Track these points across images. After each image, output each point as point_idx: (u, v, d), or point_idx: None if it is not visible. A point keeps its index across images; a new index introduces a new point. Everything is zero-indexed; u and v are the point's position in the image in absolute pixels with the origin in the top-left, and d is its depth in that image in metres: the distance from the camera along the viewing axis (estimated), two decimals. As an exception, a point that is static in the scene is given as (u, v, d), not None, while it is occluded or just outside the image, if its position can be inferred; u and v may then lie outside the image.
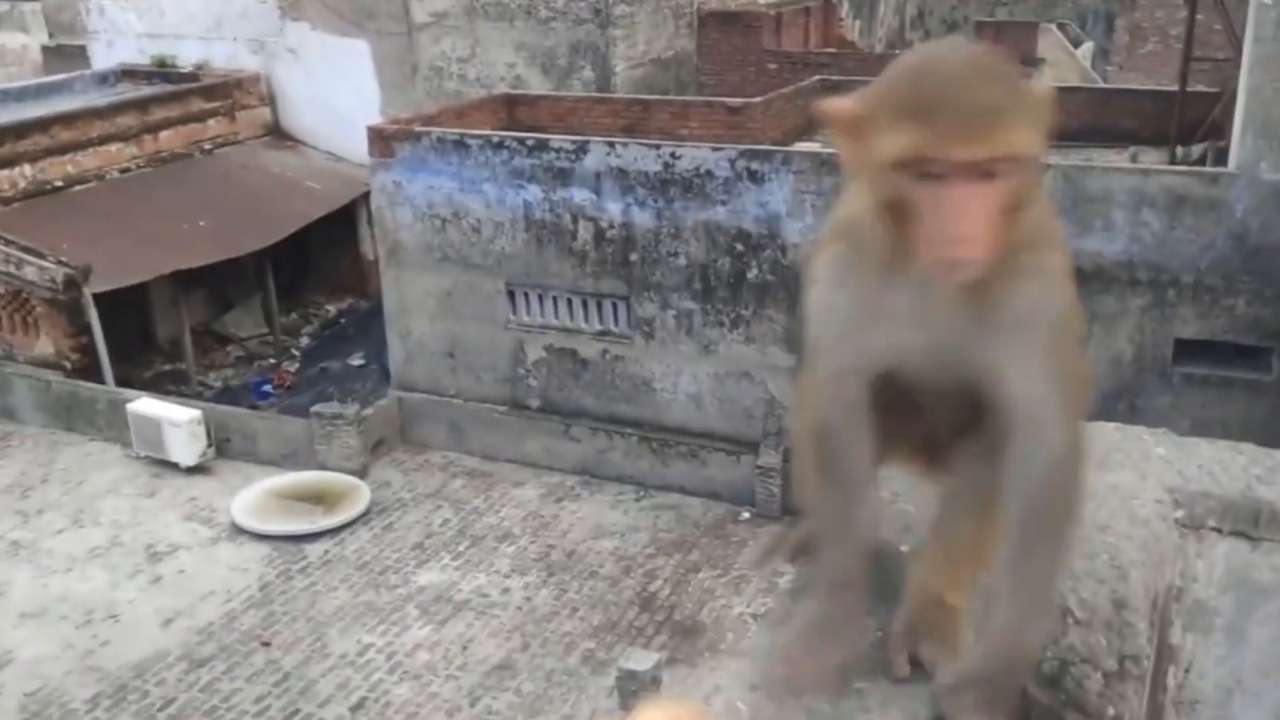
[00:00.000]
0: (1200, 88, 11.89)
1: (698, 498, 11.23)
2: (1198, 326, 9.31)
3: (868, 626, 1.46)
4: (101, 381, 12.73)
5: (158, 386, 13.76)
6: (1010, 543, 1.35)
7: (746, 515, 10.93)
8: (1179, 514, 1.84)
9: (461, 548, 10.68)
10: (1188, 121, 11.17)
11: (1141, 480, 1.86)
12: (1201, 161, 10.58)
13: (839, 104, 1.25)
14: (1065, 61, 12.49)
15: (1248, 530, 1.84)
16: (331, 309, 16.36)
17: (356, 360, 14.91)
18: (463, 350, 12.21)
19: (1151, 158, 11.59)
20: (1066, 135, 12.35)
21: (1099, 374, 9.77)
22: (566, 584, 10.10)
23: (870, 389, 1.37)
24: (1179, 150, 11.16)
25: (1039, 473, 1.30)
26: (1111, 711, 1.47)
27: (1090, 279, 9.56)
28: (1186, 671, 1.84)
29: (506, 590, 10.02)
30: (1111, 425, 2.09)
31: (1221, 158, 10.07)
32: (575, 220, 11.32)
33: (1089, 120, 11.96)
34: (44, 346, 12.85)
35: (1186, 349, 9.49)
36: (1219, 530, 1.85)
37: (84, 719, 8.42)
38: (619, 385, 11.68)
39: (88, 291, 12.41)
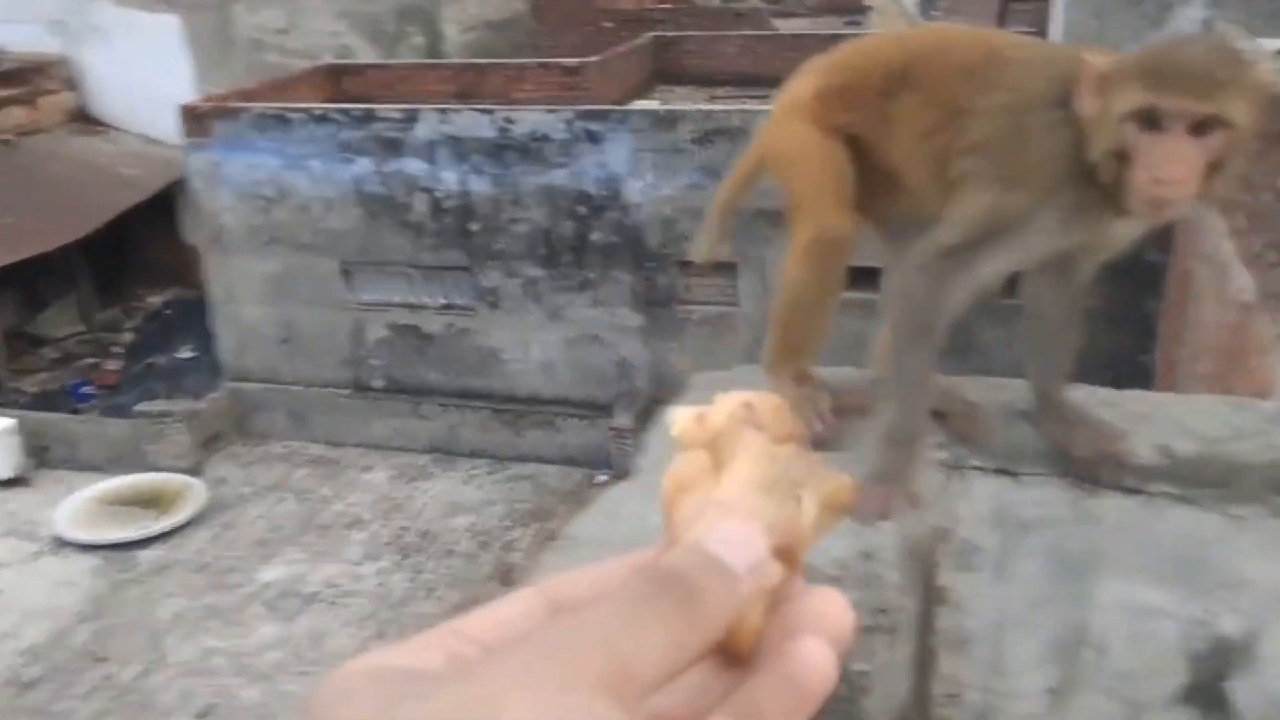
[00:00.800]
0: (1020, 29, 12.22)
1: (554, 465, 11.02)
2: (1028, 262, 9.56)
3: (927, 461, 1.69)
4: (-103, 394, 11.66)
5: (-35, 397, 12.70)
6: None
7: (603, 478, 10.77)
8: (943, 455, 1.80)
9: (308, 539, 10.20)
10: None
11: None
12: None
13: (1095, 60, 1.50)
14: (890, 7, 12.71)
15: (1009, 467, 1.82)
16: (155, 301, 15.42)
17: (186, 353, 14.10)
18: (298, 335, 11.64)
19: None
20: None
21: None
22: (422, 565, 9.76)
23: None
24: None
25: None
26: (860, 666, 1.43)
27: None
28: (957, 611, 1.82)
29: (359, 578, 9.61)
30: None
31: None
32: (410, 192, 10.90)
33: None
34: None
35: (1010, 280, 9.74)
36: (982, 469, 1.82)
37: (-109, 757, 7.68)
38: (467, 358, 11.34)
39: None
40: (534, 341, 11.06)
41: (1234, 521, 1.69)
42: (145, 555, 10.06)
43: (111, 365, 14.04)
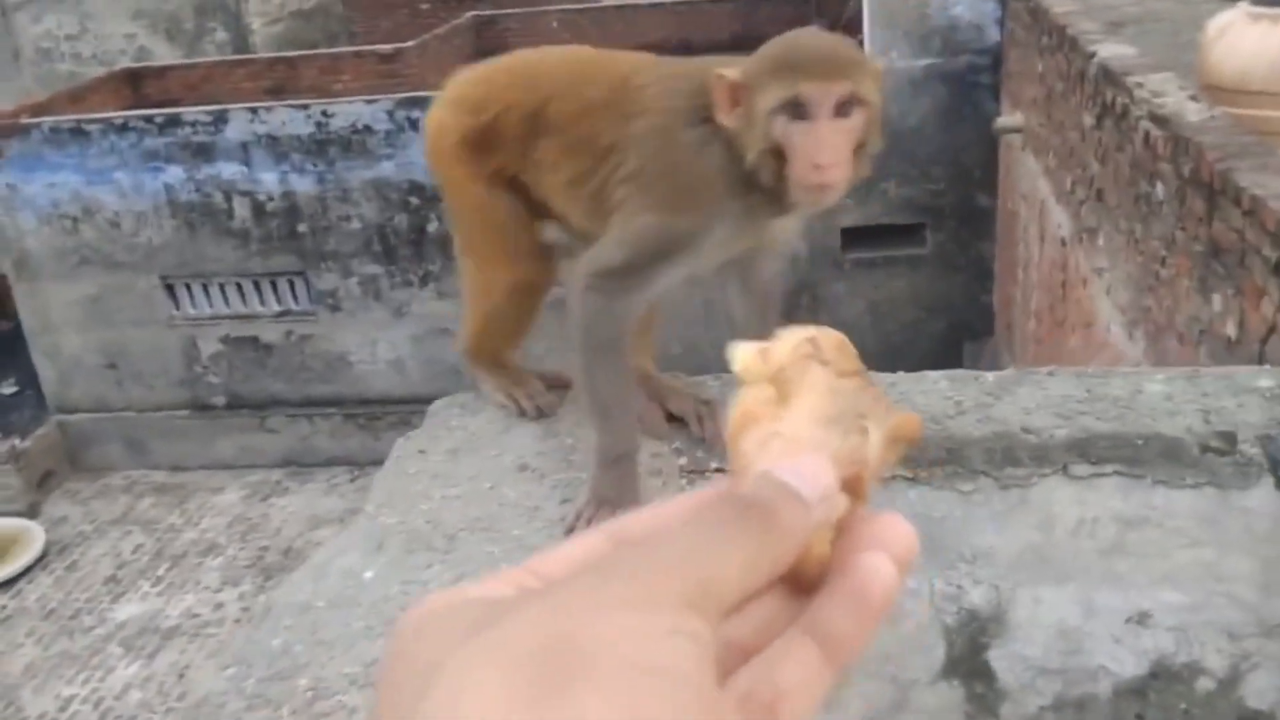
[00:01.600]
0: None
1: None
2: (858, 214, 9.79)
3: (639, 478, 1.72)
4: None
5: None
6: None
7: None
8: (683, 461, 1.85)
9: (161, 571, 9.74)
10: (825, 21, 11.68)
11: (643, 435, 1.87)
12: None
13: (725, 71, 1.53)
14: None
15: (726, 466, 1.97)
16: (-33, 338, 14.39)
17: (8, 388, 13.21)
18: (125, 358, 11.03)
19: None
20: (723, 47, 12.68)
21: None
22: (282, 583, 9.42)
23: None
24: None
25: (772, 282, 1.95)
26: None
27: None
28: None
29: (220, 605, 9.24)
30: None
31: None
32: (228, 197, 10.41)
33: (737, 30, 12.29)
34: None
35: (852, 236, 9.98)
36: (725, 471, 1.96)
37: None
38: (312, 366, 10.96)
39: None
40: (380, 340, 10.77)
41: (964, 497, 1.69)
42: (-16, 609, 9.44)
43: (-77, 410, 13.06)
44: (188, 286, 10.79)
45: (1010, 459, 1.67)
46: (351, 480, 10.74)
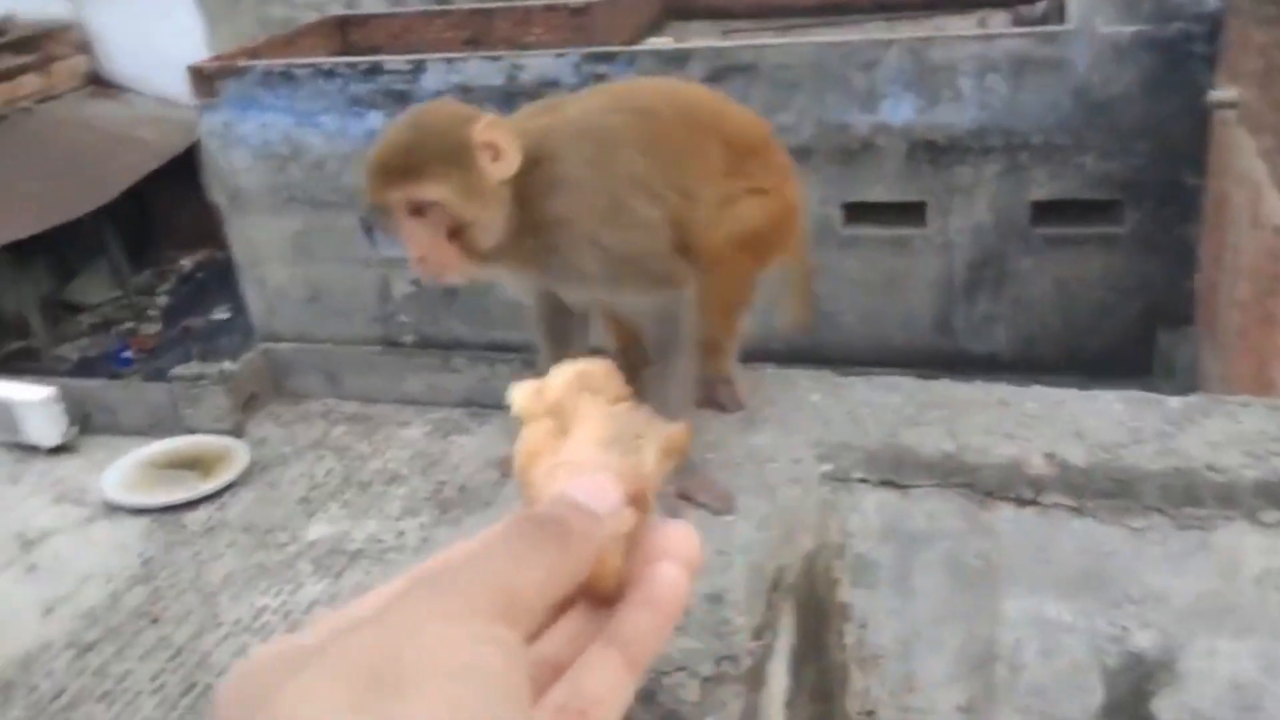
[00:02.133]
0: None
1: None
2: (1051, 187, 9.41)
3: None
4: (-59, 370, 11.94)
5: (10, 367, 12.98)
6: (652, 364, 1.84)
7: None
8: (826, 468, 1.80)
9: (349, 496, 10.42)
10: (1028, -20, 11.15)
11: (786, 437, 1.80)
12: (1044, 20, 10.58)
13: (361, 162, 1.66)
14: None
15: (894, 478, 1.80)
16: (187, 263, 15.58)
17: (221, 314, 14.28)
18: (326, 293, 11.74)
19: (999, 20, 11.58)
20: (916, 4, 12.28)
21: (964, 243, 9.87)
22: (462, 519, 9.94)
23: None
24: (1021, 10, 11.16)
25: (651, 329, 1.84)
26: (717, 717, 1.43)
27: (944, 152, 9.58)
28: (863, 628, 1.80)
29: (401, 533, 9.83)
30: (773, 372, 2.07)
31: (1063, 15, 10.08)
32: (424, 145, 10.83)
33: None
34: None
35: (1043, 210, 9.61)
36: (867, 481, 1.81)
37: (-33, 726, 8.05)
38: (494, 311, 11.38)
39: (-91, 276, 11.53)
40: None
41: (1136, 534, 1.63)
42: (193, 517, 10.34)
43: (149, 329, 14.26)
44: (384, 228, 11.33)
45: (1190, 498, 1.60)
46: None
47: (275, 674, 0.42)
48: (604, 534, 0.51)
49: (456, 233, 1.59)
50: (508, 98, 10.52)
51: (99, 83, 15.41)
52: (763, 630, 1.54)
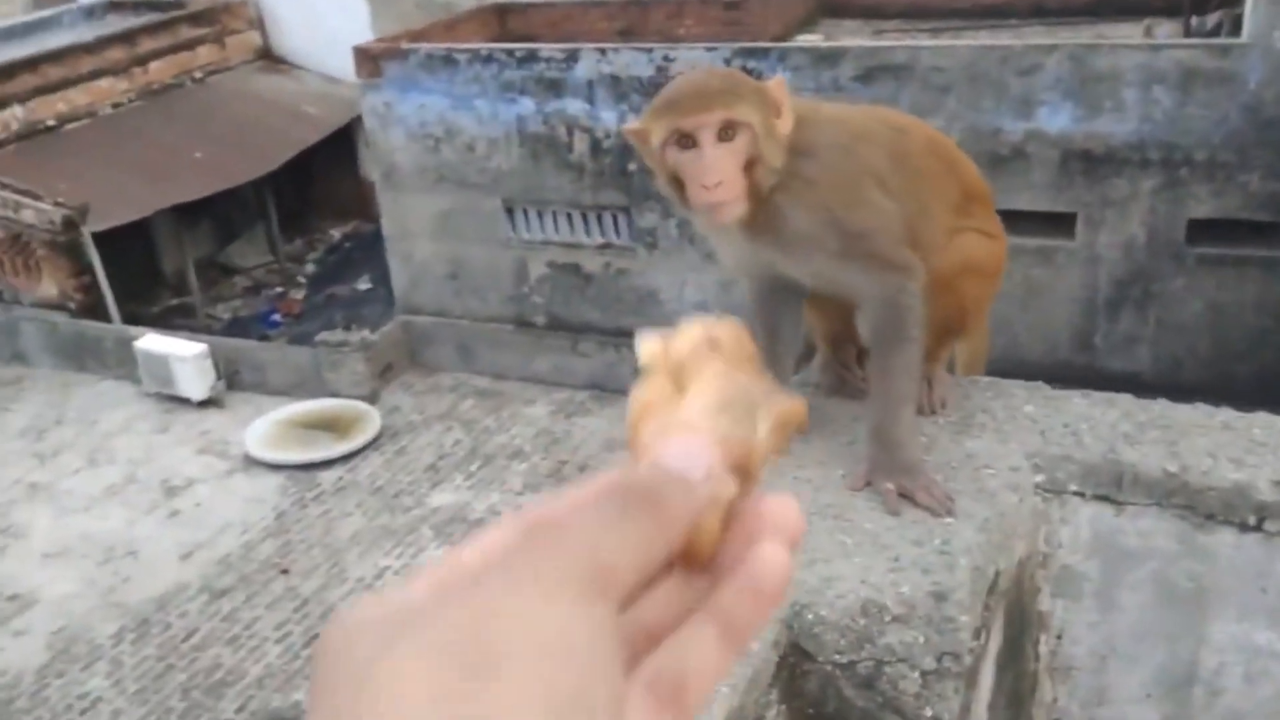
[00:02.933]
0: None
1: (708, 407, 11.14)
2: (1211, 205, 9.01)
3: None
4: (108, 320, 12.74)
5: (167, 322, 13.76)
6: (872, 356, 1.89)
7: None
8: (1039, 479, 1.79)
9: (474, 468, 10.70)
10: (1205, -9, 10.67)
11: (1002, 445, 1.78)
12: (1216, 32, 10.11)
13: (627, 126, 1.84)
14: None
15: (1110, 494, 1.78)
16: (336, 234, 16.23)
17: (364, 284, 14.83)
18: (465, 271, 12.08)
19: (1167, 29, 11.11)
20: (1077, 10, 11.89)
21: (1112, 258, 9.53)
22: (579, 499, 10.11)
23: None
24: (1193, 21, 10.68)
25: (875, 316, 1.87)
26: (929, 712, 1.47)
27: (1100, 163, 9.26)
28: (1059, 638, 1.78)
29: (520, 507, 9.94)
30: (985, 381, 2.01)
31: (1237, 27, 9.61)
32: (570, 132, 11.05)
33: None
34: (48, 288, 12.84)
35: (1200, 229, 9.20)
36: (1081, 495, 1.80)
37: (110, 653, 8.58)
38: (624, 298, 11.53)
39: (86, 231, 12.34)
40: (689, 282, 11.15)
41: None
42: (326, 476, 10.78)
43: (297, 295, 14.93)
44: (525, 211, 11.62)
45: None
46: (648, 411, 11.28)
47: (375, 640, 0.43)
48: (700, 503, 0.50)
49: (750, 165, 1.69)
50: (657, 90, 10.62)
51: (269, 58, 16.20)
52: (981, 631, 1.57)
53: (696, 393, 0.57)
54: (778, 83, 1.78)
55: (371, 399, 11.75)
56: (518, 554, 0.46)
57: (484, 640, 0.42)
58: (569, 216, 11.45)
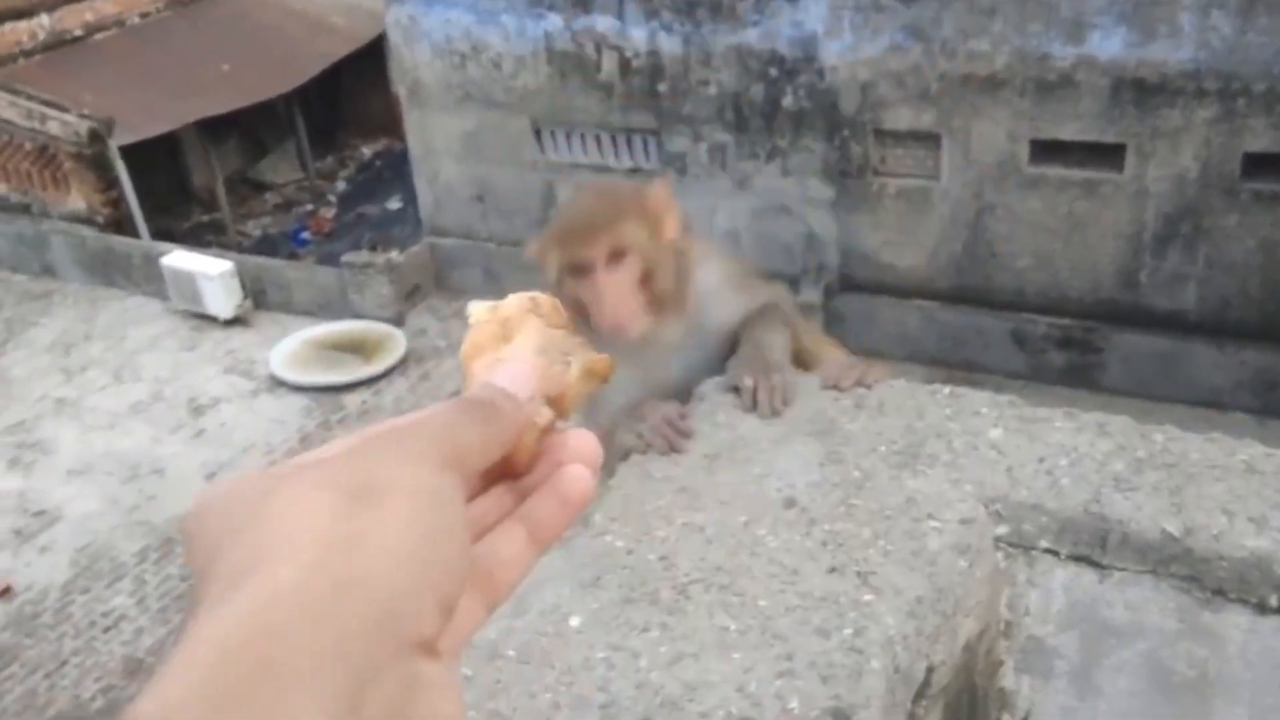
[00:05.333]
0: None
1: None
2: (1268, 139, 8.51)
3: None
4: (136, 235, 12.70)
5: (197, 237, 13.71)
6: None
7: None
8: (1002, 530, 1.45)
9: (496, 395, 10.60)
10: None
11: (953, 486, 1.44)
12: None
13: (528, 247, 1.87)
14: None
15: (1093, 555, 1.44)
16: (366, 151, 16.01)
17: (394, 204, 14.65)
18: (492, 193, 11.84)
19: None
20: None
21: (1162, 192, 9.10)
22: (600, 429, 10.00)
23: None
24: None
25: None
26: None
27: (1153, 92, 8.78)
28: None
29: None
30: (946, 391, 1.65)
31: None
32: (599, 50, 10.68)
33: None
34: (75, 202, 12.80)
35: (1256, 164, 8.72)
36: (1055, 554, 1.46)
37: (133, 571, 8.69)
38: (652, 223, 11.25)
39: (113, 144, 12.23)
40: (720, 210, 10.83)
41: None
42: (350, 399, 10.76)
43: (327, 213, 14.79)
44: (552, 133, 11.31)
45: None
46: (674, 340, 11.11)
47: (257, 492, 0.48)
48: (524, 416, 0.58)
49: (644, 281, 1.77)
50: (689, 6, 10.21)
51: (297, -32, 15.81)
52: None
53: (520, 339, 0.65)
54: (660, 190, 1.89)
55: (397, 321, 11.65)
56: (386, 435, 0.52)
57: (367, 479, 0.48)
58: (597, 138, 11.13)
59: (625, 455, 1.73)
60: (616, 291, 1.75)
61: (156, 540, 9.00)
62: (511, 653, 1.32)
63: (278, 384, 10.94)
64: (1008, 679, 1.48)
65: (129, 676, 7.81)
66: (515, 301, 0.67)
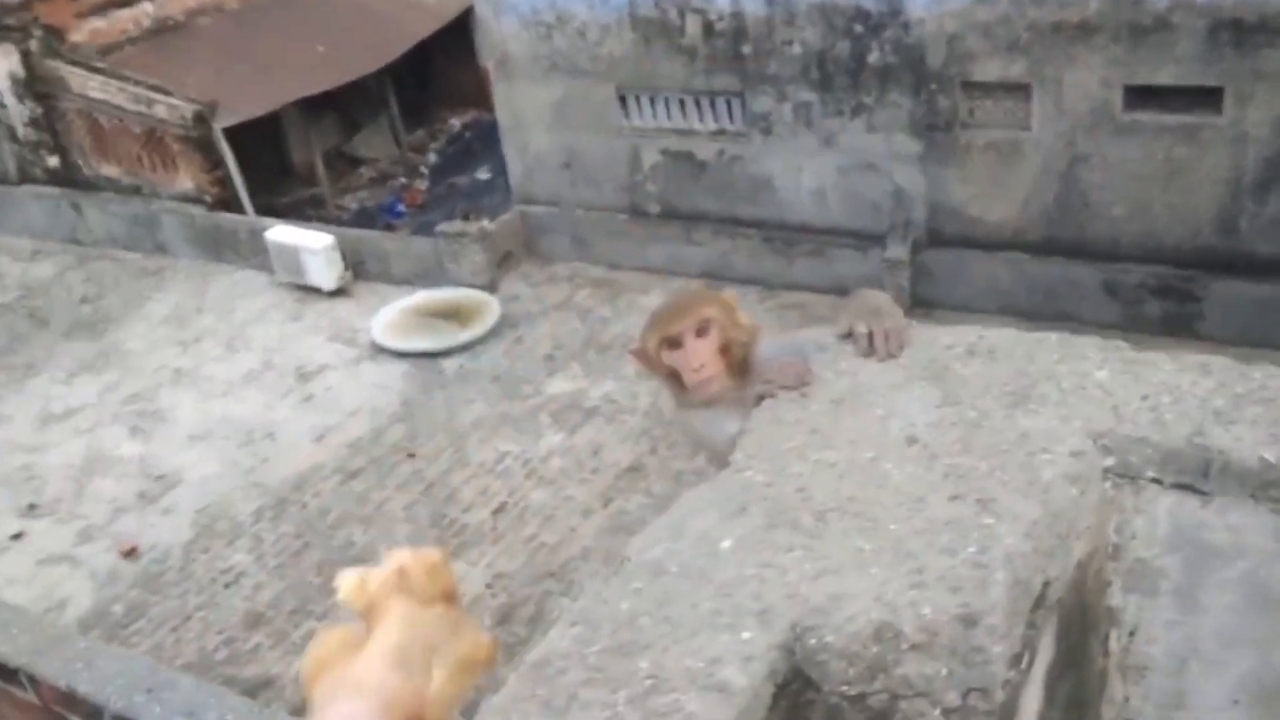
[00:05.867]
0: None
1: (825, 295, 10.97)
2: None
3: None
4: (242, 212, 13.21)
5: (298, 212, 14.20)
6: None
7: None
8: (1110, 462, 1.56)
9: (590, 357, 10.86)
10: None
11: (1064, 423, 1.54)
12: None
13: (635, 350, 2.53)
14: None
15: (1195, 483, 1.54)
16: (455, 124, 16.33)
17: (483, 174, 14.96)
18: (579, 161, 12.04)
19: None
20: None
21: (1263, 136, 8.90)
22: (693, 389, 10.17)
23: None
24: None
25: None
26: None
27: (1253, 32, 8.57)
28: (1131, 636, 1.58)
29: (634, 396, 10.18)
30: (1054, 338, 1.75)
31: None
32: (682, 15, 10.76)
33: None
34: (184, 182, 13.36)
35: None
36: (1160, 482, 1.57)
37: (250, 530, 9.18)
38: (738, 186, 11.35)
39: (217, 127, 12.72)
40: (806, 168, 10.88)
41: None
42: (448, 364, 11.11)
43: (419, 185, 15.17)
44: (637, 98, 11.44)
45: None
46: (760, 301, 11.19)
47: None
48: None
49: (724, 349, 2.30)
50: (770, -35, 10.22)
51: (383, -54, 16.11)
52: (1021, 656, 1.38)
53: (375, 641, 0.57)
54: (730, 295, 2.50)
55: (491, 288, 11.96)
56: None
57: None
58: (681, 103, 11.24)
59: (758, 402, 1.94)
60: (701, 355, 2.28)
61: (271, 500, 9.48)
62: (674, 569, 1.50)
63: (379, 351, 11.35)
64: (1115, 597, 1.60)
65: (250, 629, 8.29)
66: (383, 575, 0.61)
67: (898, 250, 10.45)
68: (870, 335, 1.99)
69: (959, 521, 1.43)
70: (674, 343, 2.32)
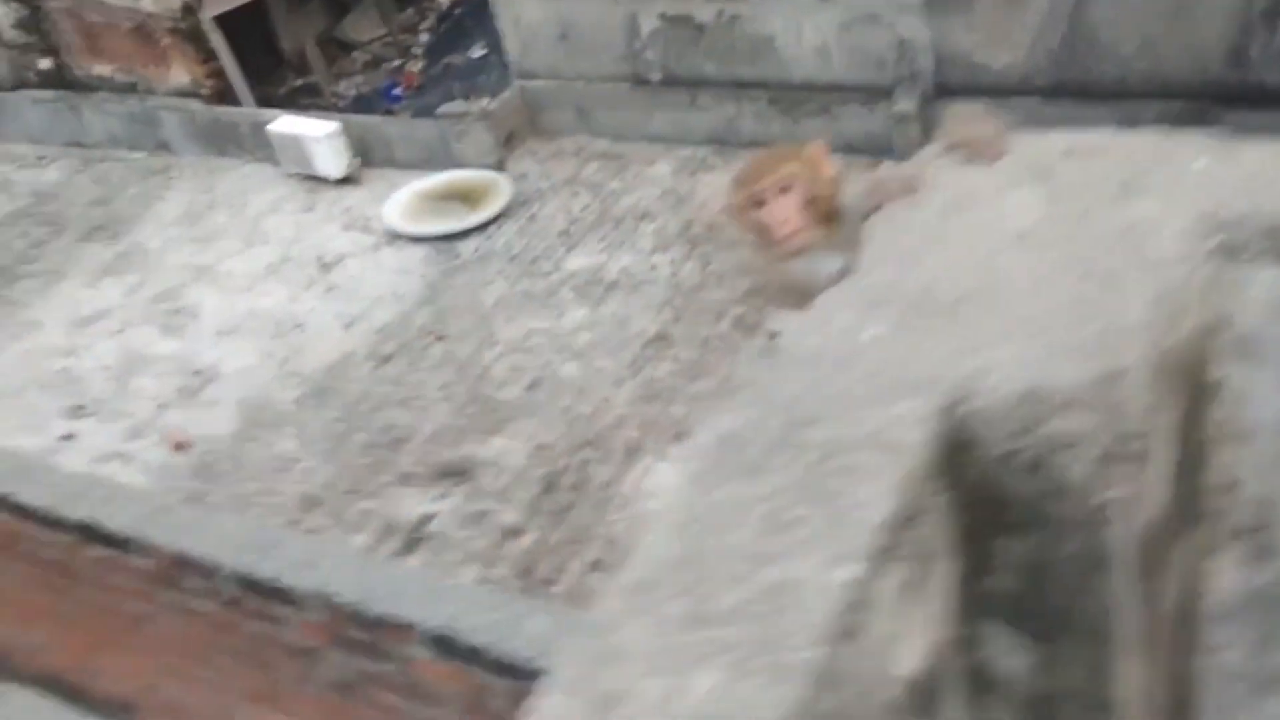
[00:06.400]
0: None
1: (835, 154, 10.93)
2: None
3: None
4: (240, 104, 13.10)
5: (295, 102, 14.04)
6: None
7: (890, 165, 10.71)
8: (1215, 241, 1.71)
9: (604, 230, 10.96)
10: None
11: (1167, 209, 1.70)
12: None
13: (719, 207, 3.02)
14: None
15: None
16: (444, 0, 16.00)
17: (477, 52, 14.74)
18: (575, 31, 11.89)
19: None
20: None
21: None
22: (710, 255, 10.31)
23: None
24: None
25: None
26: (1104, 494, 1.45)
27: None
28: (1236, 403, 1.75)
29: (654, 267, 10.32)
30: (1150, 135, 1.90)
31: None
32: None
33: None
34: (179, 76, 13.20)
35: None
36: (1265, 255, 1.71)
37: (295, 415, 9.45)
38: (740, 47, 11.25)
39: (205, 15, 12.51)
40: (807, 25, 10.77)
41: None
42: (464, 246, 11.21)
43: (414, 67, 14.95)
44: (634, -38, 11.25)
45: None
46: (772, 162, 11.25)
47: None
48: None
49: (809, 203, 2.43)
50: None
51: None
52: (1153, 410, 1.54)
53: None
54: (817, 145, 2.63)
55: (499, 167, 11.96)
56: None
57: None
58: (679, -36, 11.06)
59: (871, 214, 2.15)
60: (786, 210, 2.43)
61: (311, 388, 9.73)
62: (825, 357, 1.71)
63: (395, 236, 11.42)
64: (1222, 369, 1.78)
65: (307, 511, 8.62)
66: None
67: (906, 103, 10.45)
68: (971, 144, 2.18)
69: (1082, 300, 1.61)
70: (759, 202, 2.47)
